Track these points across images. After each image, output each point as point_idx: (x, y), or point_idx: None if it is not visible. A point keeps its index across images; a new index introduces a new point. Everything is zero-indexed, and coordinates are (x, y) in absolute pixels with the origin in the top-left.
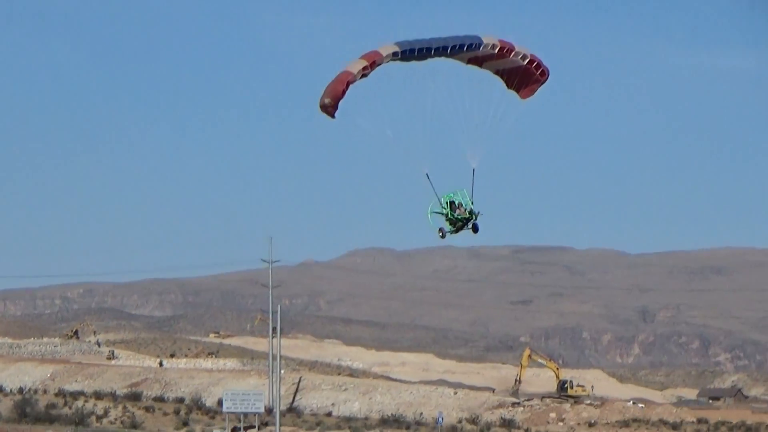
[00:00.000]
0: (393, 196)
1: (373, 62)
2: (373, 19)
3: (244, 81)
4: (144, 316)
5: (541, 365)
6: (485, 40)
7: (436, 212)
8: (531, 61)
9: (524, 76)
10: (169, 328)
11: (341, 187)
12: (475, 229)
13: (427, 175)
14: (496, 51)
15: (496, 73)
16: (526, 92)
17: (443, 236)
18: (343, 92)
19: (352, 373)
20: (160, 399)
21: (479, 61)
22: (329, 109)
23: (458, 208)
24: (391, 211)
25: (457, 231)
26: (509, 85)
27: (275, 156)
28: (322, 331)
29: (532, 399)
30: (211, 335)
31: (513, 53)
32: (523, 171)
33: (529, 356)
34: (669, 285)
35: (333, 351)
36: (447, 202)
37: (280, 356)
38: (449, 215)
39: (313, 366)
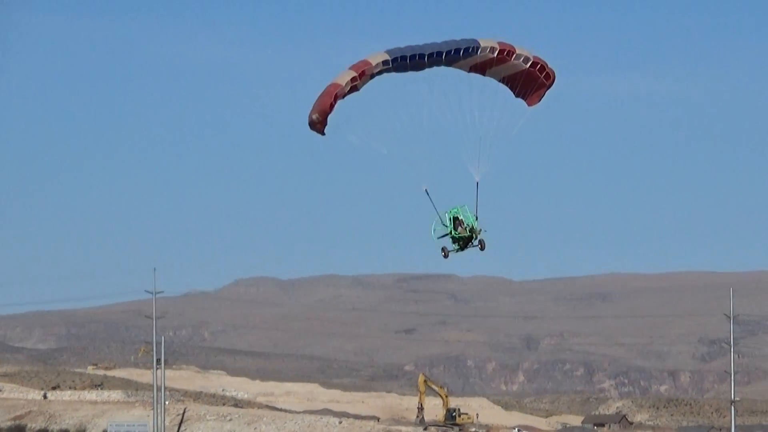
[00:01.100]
0: (276, 224)
1: (362, 72)
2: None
3: (121, 109)
4: (27, 349)
5: (426, 393)
6: (483, 44)
7: (441, 232)
8: (534, 64)
9: (528, 81)
10: (54, 361)
11: (223, 217)
12: (482, 246)
13: (426, 191)
14: (496, 54)
15: (502, 80)
16: (532, 98)
17: (446, 256)
18: (332, 106)
19: (237, 403)
20: (44, 431)
21: (481, 68)
22: (318, 125)
23: (460, 225)
24: (275, 240)
25: (461, 249)
26: (516, 93)
27: (157, 186)
28: (207, 362)
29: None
30: (90, 367)
31: (514, 56)
32: (405, 198)
33: (425, 382)
34: (553, 312)
35: (217, 381)
36: (451, 219)
37: (165, 387)
38: (452, 233)
39: (198, 397)
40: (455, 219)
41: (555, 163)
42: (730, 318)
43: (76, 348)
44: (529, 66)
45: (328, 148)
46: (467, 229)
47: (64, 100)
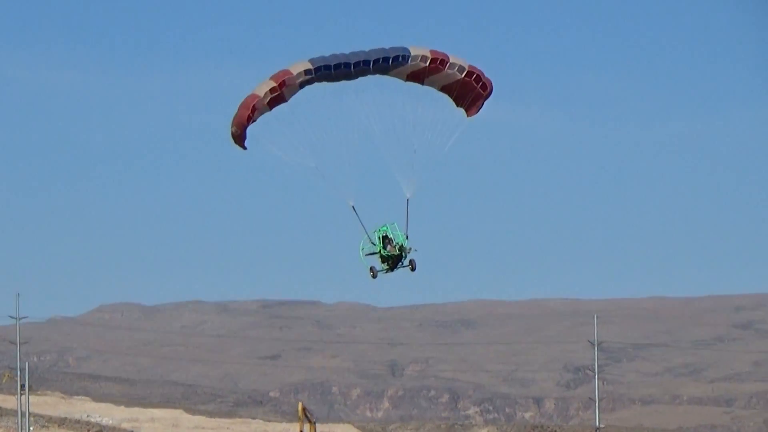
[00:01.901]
0: (139, 249)
1: (283, 83)
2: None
3: None
4: None
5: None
6: (414, 52)
7: (369, 250)
8: (469, 74)
9: (465, 92)
10: None
11: (86, 242)
12: (413, 266)
13: (353, 207)
14: (428, 64)
15: (442, 89)
16: (471, 110)
17: (374, 276)
18: (249, 118)
19: (102, 429)
20: None
21: (417, 77)
22: (237, 139)
23: (389, 243)
24: (138, 265)
25: (390, 269)
26: (457, 102)
27: (18, 211)
28: (71, 388)
29: None
30: None
31: (447, 65)
32: (269, 224)
33: (304, 410)
34: (418, 338)
35: (82, 407)
36: (380, 237)
37: (29, 413)
38: (382, 252)
39: (63, 423)
40: (384, 237)
41: (425, 192)
42: (594, 345)
43: None
44: (464, 76)
45: (193, 170)
46: (396, 247)
47: None
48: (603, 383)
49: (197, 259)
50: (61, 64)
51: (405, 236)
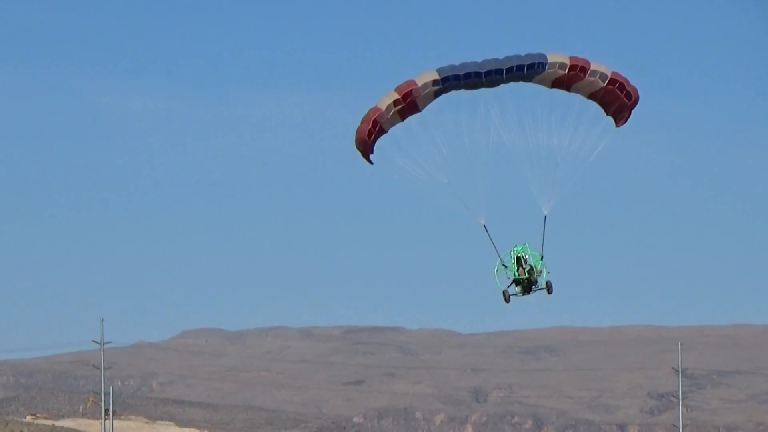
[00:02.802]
0: (223, 275)
1: (407, 94)
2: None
3: (63, 155)
4: None
5: None
6: (551, 59)
7: (504, 274)
8: (612, 81)
9: (609, 100)
10: (2, 411)
11: (170, 267)
12: (550, 289)
13: (484, 226)
14: (567, 71)
15: (590, 97)
16: (619, 120)
17: (507, 300)
18: (371, 133)
19: None
20: None
21: (563, 84)
22: (363, 153)
23: (521, 266)
24: (222, 291)
25: (525, 293)
26: (606, 111)
27: (104, 236)
28: (155, 413)
29: None
30: (28, 417)
31: (588, 73)
32: (354, 248)
33: None
34: (501, 364)
35: None
36: (515, 258)
37: None
38: (515, 275)
39: None
40: (518, 258)
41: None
42: (678, 372)
43: (24, 398)
44: (607, 84)
45: (277, 195)
46: (526, 270)
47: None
48: (687, 410)
49: (280, 285)
50: (143, 90)
51: (540, 256)
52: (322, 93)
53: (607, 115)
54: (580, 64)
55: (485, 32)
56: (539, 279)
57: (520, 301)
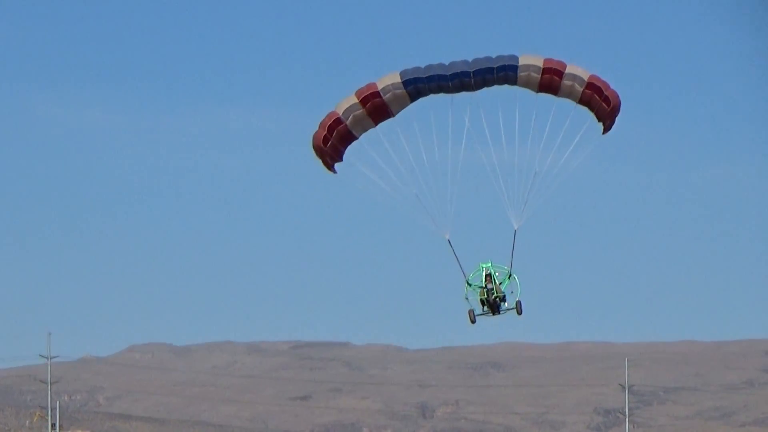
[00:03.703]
0: (170, 289)
1: (367, 98)
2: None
3: (7, 170)
4: None
5: None
6: (522, 61)
7: (473, 292)
8: (589, 86)
9: (590, 106)
10: None
11: (117, 282)
12: (519, 309)
13: (449, 240)
14: (540, 75)
15: (580, 103)
16: (604, 127)
17: (473, 321)
18: (326, 139)
19: None
20: None
21: (550, 89)
22: (323, 163)
23: (489, 283)
24: (169, 306)
25: (492, 312)
26: (598, 118)
27: (51, 250)
28: (102, 427)
29: None
30: None
31: (563, 76)
32: (302, 263)
33: None
34: (448, 380)
35: None
36: (484, 276)
37: None
38: (485, 294)
39: None
40: (487, 276)
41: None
42: (625, 388)
43: None
44: (584, 88)
45: (221, 207)
46: (489, 290)
47: None
48: (634, 426)
49: (228, 300)
50: (91, 102)
51: (508, 274)
52: (278, 107)
53: (599, 121)
54: (553, 67)
55: (465, 38)
56: (508, 298)
57: (466, 317)
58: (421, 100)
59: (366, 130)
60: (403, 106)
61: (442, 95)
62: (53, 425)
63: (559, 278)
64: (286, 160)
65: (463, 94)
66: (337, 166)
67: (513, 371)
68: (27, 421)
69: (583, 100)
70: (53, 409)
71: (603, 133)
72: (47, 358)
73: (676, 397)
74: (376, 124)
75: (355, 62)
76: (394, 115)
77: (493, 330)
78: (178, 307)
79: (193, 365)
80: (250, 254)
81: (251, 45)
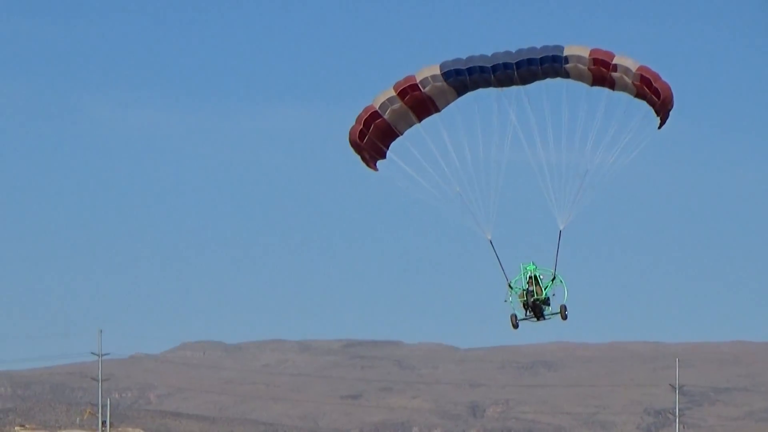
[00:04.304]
0: (222, 287)
1: (404, 90)
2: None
3: (59, 171)
4: None
5: None
6: (569, 51)
7: (516, 295)
8: (639, 78)
9: (642, 99)
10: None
11: (169, 279)
12: (564, 314)
13: (491, 241)
14: (588, 66)
15: (638, 95)
16: (659, 120)
17: (516, 326)
18: (362, 134)
19: None
20: None
21: (606, 82)
22: (363, 160)
23: (536, 286)
24: (221, 303)
25: (536, 317)
26: (656, 112)
27: (103, 247)
28: (152, 425)
29: None
30: (17, 428)
31: (611, 67)
32: (353, 261)
33: None
34: (499, 380)
35: None
36: (527, 278)
37: None
38: (525, 296)
39: None
40: (532, 279)
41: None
42: (675, 388)
43: (21, 409)
44: (633, 81)
45: (272, 207)
46: (530, 292)
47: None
48: (684, 427)
49: (279, 298)
50: (141, 102)
51: (552, 276)
52: (323, 105)
53: (657, 115)
54: (601, 58)
55: (507, 33)
56: (552, 302)
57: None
58: (468, 95)
59: (410, 126)
60: (448, 101)
61: (491, 90)
62: (104, 422)
63: (610, 277)
64: (335, 157)
65: (511, 88)
66: (380, 163)
67: (564, 371)
68: (78, 418)
69: (634, 93)
70: (104, 406)
71: (658, 127)
72: (98, 355)
73: (727, 397)
74: (420, 120)
75: (399, 61)
76: (439, 110)
77: (544, 329)
78: (230, 305)
79: (244, 363)
80: (301, 252)
81: (301, 45)
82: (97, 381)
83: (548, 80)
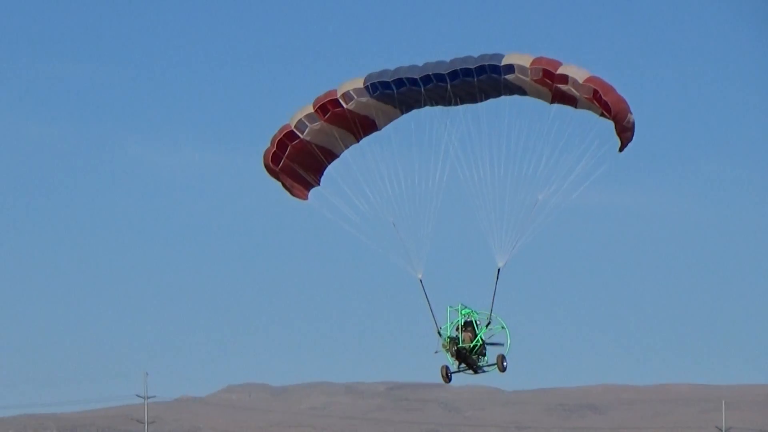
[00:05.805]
0: (267, 330)
1: (323, 107)
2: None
3: (105, 212)
4: None
5: None
6: (508, 60)
7: (443, 341)
8: (587, 90)
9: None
10: None
11: (214, 322)
12: (502, 365)
13: (420, 281)
14: (530, 77)
15: (603, 115)
16: (620, 142)
17: (449, 380)
18: (275, 157)
19: None
20: None
21: (564, 99)
22: (284, 185)
23: (465, 331)
24: (266, 346)
25: (472, 369)
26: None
27: (149, 289)
28: None
29: None
30: None
31: (557, 78)
32: (397, 304)
33: None
34: (545, 422)
35: None
36: (461, 324)
37: None
38: (447, 344)
39: None
40: (466, 324)
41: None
42: (722, 431)
43: None
44: (583, 94)
45: (317, 250)
46: (454, 339)
47: (41, 199)
48: None
49: (325, 340)
50: (183, 142)
51: (487, 322)
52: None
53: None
54: (543, 67)
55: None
56: (488, 351)
57: (564, 357)
58: (412, 114)
59: (345, 147)
60: (390, 118)
61: (439, 108)
62: None
63: (656, 318)
64: None
65: (458, 107)
66: (313, 192)
67: (610, 413)
68: None
69: (580, 107)
70: None
71: (619, 150)
72: (144, 397)
73: None
74: (358, 140)
75: None
76: (378, 129)
77: (590, 372)
78: (276, 348)
79: (290, 406)
80: (347, 295)
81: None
82: (144, 424)
83: (503, 97)
